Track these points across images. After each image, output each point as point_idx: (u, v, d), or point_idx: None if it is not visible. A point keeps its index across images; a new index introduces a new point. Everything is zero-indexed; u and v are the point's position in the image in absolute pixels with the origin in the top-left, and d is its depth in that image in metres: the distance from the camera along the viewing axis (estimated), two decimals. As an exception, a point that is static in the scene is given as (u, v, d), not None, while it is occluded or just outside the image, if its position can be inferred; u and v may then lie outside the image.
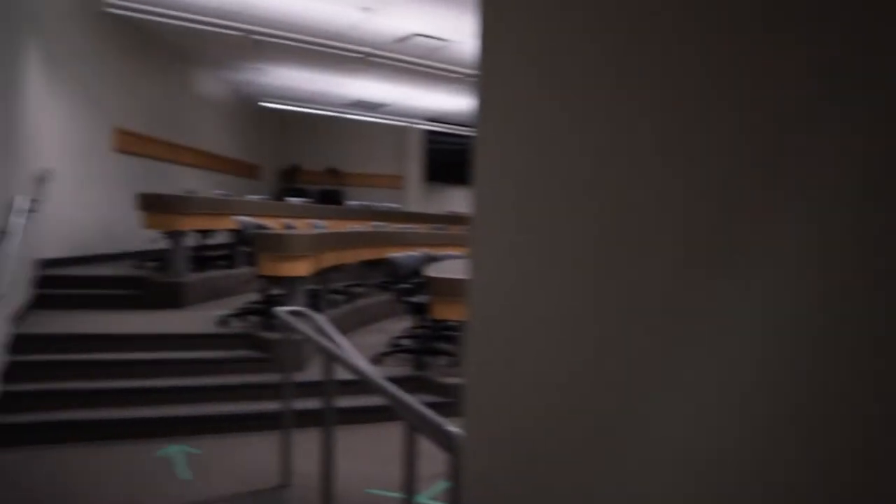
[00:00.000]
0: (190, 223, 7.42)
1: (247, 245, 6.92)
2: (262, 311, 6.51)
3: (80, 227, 8.23)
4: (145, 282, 7.29)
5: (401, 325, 8.50)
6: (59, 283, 7.01)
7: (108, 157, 8.83)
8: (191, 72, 11.39)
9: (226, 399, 5.46)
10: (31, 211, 6.15)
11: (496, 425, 1.27)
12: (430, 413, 2.03)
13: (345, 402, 4.12)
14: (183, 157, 10.90)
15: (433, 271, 6.55)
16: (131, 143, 9.32)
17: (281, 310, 3.98)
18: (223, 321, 6.36)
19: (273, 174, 15.68)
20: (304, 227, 8.44)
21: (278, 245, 5.93)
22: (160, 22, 8.62)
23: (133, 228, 8.79)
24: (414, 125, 14.26)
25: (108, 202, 8.81)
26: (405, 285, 6.86)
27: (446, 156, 16.05)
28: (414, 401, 2.20)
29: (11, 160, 5.66)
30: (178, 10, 7.67)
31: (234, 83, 12.76)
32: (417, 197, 15.77)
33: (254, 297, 7.33)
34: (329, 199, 14.86)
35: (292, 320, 3.87)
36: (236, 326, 6.40)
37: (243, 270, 8.56)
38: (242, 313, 6.61)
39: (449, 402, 5.88)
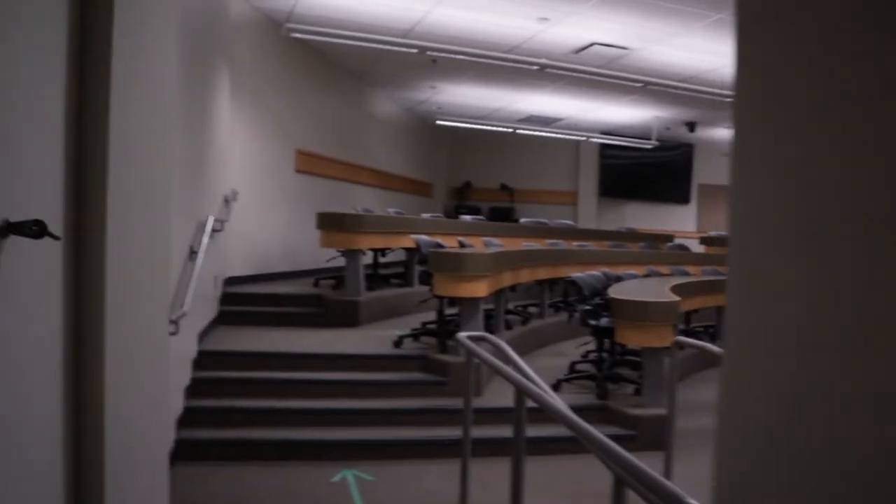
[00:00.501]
0: (367, 241, 7.39)
1: (423, 263, 6.76)
2: (438, 332, 6.30)
3: (263, 246, 8.46)
4: (322, 300, 7.32)
5: (577, 347, 8.05)
6: (241, 300, 7.18)
7: (290, 178, 9.06)
8: (368, 93, 11.58)
9: (401, 424, 5.26)
10: (217, 231, 6.30)
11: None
12: (655, 477, 1.60)
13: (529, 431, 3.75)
14: (359, 177, 11.06)
15: (617, 292, 6.07)
16: (312, 164, 9.53)
17: (463, 336, 3.67)
18: (398, 342, 6.20)
19: (445, 192, 15.71)
20: (477, 244, 8.19)
21: (456, 264, 5.69)
22: (340, 45, 8.76)
23: (312, 247, 8.91)
24: (588, 139, 13.75)
25: (288, 221, 9.02)
26: (586, 306, 6.41)
27: (621, 170, 15.41)
28: (628, 455, 1.78)
29: (202, 182, 5.81)
30: (358, 31, 7.70)
31: (409, 102, 12.87)
32: (591, 213, 15.22)
33: (428, 316, 7.16)
34: (501, 216, 14.64)
35: (475, 347, 3.55)
36: (411, 347, 6.22)
37: (417, 289, 8.45)
38: (418, 334, 6.43)
39: (634, 436, 5.37)
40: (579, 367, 6.82)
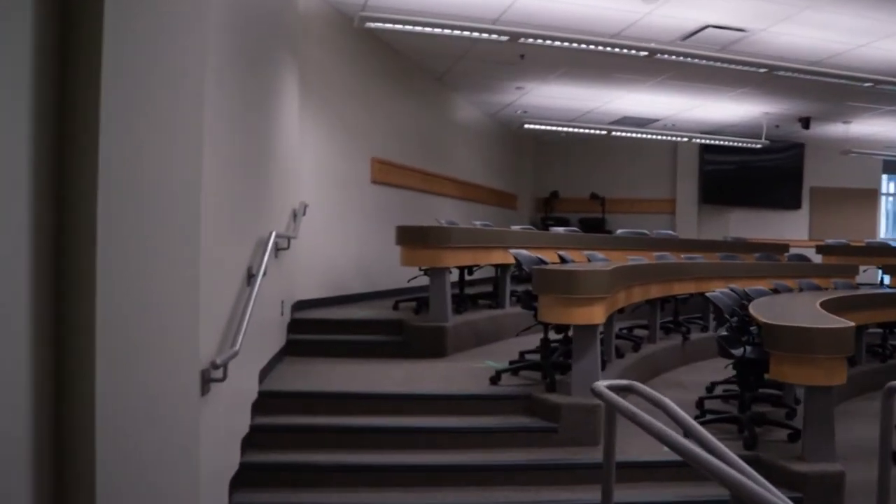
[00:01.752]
0: (453, 258, 6.43)
1: (520, 281, 5.76)
2: (543, 365, 5.27)
3: (335, 265, 7.61)
4: (404, 326, 6.39)
5: (698, 376, 6.90)
6: (311, 328, 6.33)
7: (366, 188, 8.21)
8: (448, 97, 10.68)
9: (502, 483, 4.24)
10: (283, 249, 5.45)
11: None
12: None
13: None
14: (440, 188, 10.15)
15: (763, 314, 4.92)
16: (389, 174, 8.67)
17: (602, 386, 2.65)
18: (495, 377, 5.19)
19: (530, 202, 14.66)
20: (578, 259, 7.14)
21: (568, 284, 4.66)
22: (418, 42, 7.89)
23: (390, 265, 8.04)
24: (690, 140, 12.48)
25: (363, 237, 8.16)
26: (723, 332, 5.29)
27: (724, 174, 14.06)
28: None
29: (264, 193, 4.98)
30: (439, 18, 6.77)
31: (493, 107, 11.91)
32: (691, 222, 13.91)
33: (526, 343, 6.15)
34: (592, 227, 13.47)
35: (621, 401, 2.53)
36: (510, 384, 5.21)
37: (510, 311, 7.46)
38: (518, 368, 5.42)
39: (799, 499, 4.22)
40: (708, 403, 5.71)
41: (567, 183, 14.58)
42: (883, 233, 15.16)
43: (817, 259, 11.96)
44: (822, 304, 5.76)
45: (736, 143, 12.32)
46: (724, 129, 12.63)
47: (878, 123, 12.44)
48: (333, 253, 7.53)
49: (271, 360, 5.31)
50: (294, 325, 6.27)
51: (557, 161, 14.72)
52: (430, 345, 6.15)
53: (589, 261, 7.07)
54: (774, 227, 14.24)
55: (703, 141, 12.16)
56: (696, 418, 5.02)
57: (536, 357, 5.57)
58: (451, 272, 6.52)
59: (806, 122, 12.26)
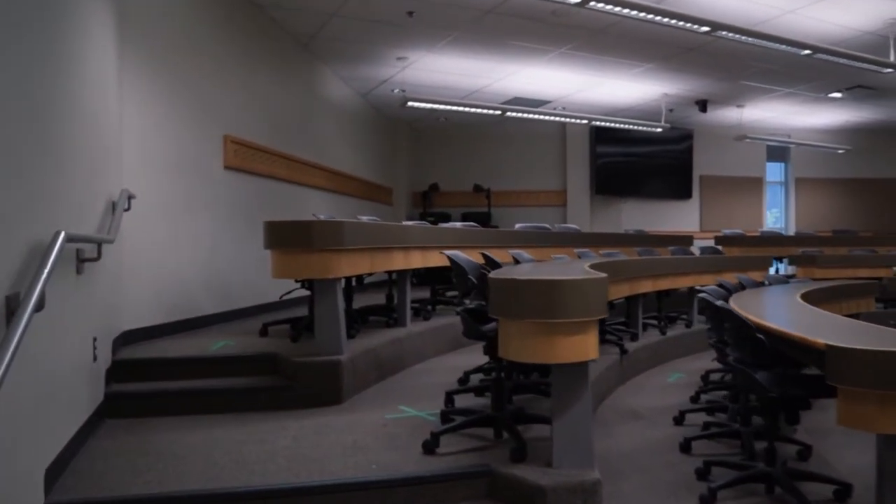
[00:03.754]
0: (348, 264, 4.64)
1: (472, 295, 4.11)
2: (497, 418, 3.64)
3: (177, 278, 5.63)
4: (278, 361, 4.56)
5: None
6: (144, 372, 4.39)
7: (217, 175, 6.26)
8: (315, 68, 8.82)
9: None
10: (91, 260, 3.52)
11: None
12: None
13: None
14: (308, 178, 8.29)
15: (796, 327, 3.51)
16: (247, 158, 6.74)
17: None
18: (431, 442, 3.47)
19: (407, 197, 13.01)
20: (505, 260, 5.55)
21: (553, 302, 2.99)
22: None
23: (252, 275, 6.21)
24: (588, 122, 11.22)
25: (215, 238, 6.23)
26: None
27: (616, 164, 13.02)
28: None
29: (55, 174, 3.04)
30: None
31: (365, 83, 10.15)
32: (584, 214, 12.76)
33: (448, 374, 4.53)
34: (477, 223, 11.96)
35: None
36: (451, 449, 3.50)
37: (413, 329, 5.82)
38: (461, 426, 3.72)
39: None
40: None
41: (448, 175, 13.06)
42: (768, 221, 14.70)
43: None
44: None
45: (636, 126, 11.21)
46: (621, 113, 11.54)
47: (769, 108, 11.83)
48: (174, 261, 5.55)
49: (75, 436, 3.35)
50: (117, 371, 4.31)
51: (437, 151, 13.19)
52: (320, 387, 4.36)
53: (517, 261, 5.50)
54: (666, 218, 13.39)
55: (602, 124, 10.97)
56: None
57: (474, 400, 3.92)
58: (341, 283, 4.73)
59: (703, 105, 11.39)
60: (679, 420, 4.88)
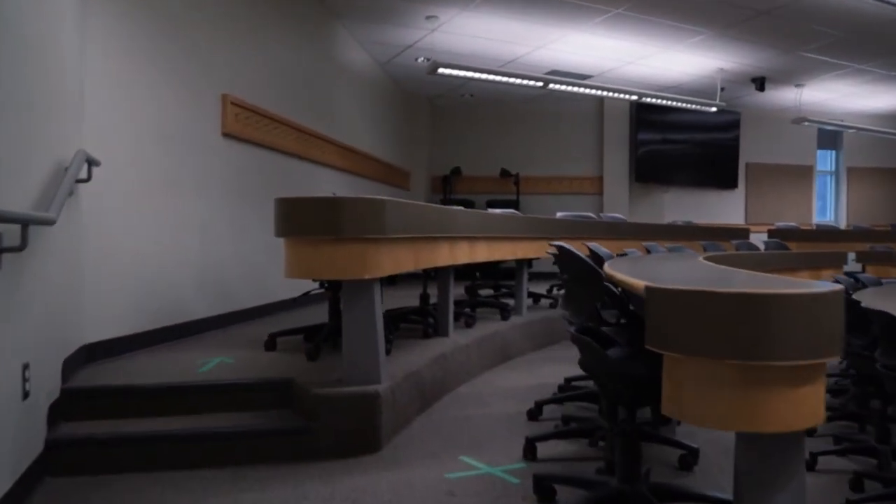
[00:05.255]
0: (390, 259, 3.40)
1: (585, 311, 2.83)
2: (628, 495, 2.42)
3: (159, 273, 4.39)
4: (293, 391, 3.33)
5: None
6: (105, 408, 3.15)
7: (213, 144, 5.01)
8: (331, 27, 7.57)
9: None
10: (12, 249, 2.29)
11: None
12: None
13: None
14: (320, 153, 7.05)
15: None
16: (250, 126, 5.50)
17: None
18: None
19: (426, 181, 11.75)
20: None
21: (780, 331, 1.77)
22: None
23: (256, 269, 5.00)
24: (638, 98, 9.93)
25: (209, 222, 4.99)
26: None
27: (659, 149, 11.75)
28: None
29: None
30: None
31: (386, 50, 8.89)
32: (622, 203, 11.50)
33: (497, 395, 3.32)
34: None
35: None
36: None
37: (458, 341, 4.61)
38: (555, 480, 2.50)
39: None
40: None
41: (472, 158, 11.80)
42: (827, 214, 13.46)
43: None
44: None
45: (689, 105, 9.94)
46: (671, 91, 10.28)
47: (830, 88, 10.58)
48: (155, 251, 4.31)
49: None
50: (67, 405, 3.09)
51: (460, 131, 11.91)
52: (352, 430, 3.14)
53: (596, 256, 4.25)
54: (710, 209, 12.15)
55: (652, 101, 9.69)
56: None
57: (564, 447, 2.70)
58: (378, 284, 3.48)
59: (761, 83, 10.12)
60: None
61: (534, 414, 3.80)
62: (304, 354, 3.89)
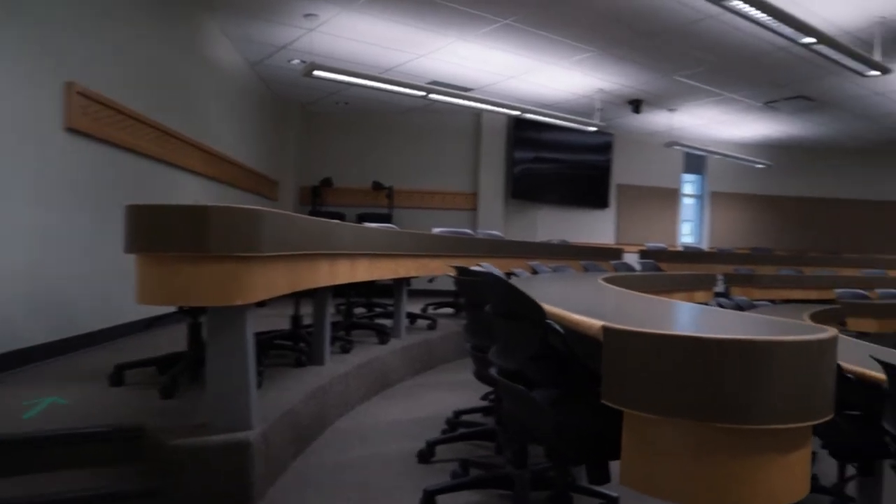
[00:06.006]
0: (266, 282, 2.89)
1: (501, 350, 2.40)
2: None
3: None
4: (145, 442, 2.75)
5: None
6: None
7: (52, 140, 4.29)
8: (199, 18, 6.89)
9: None
10: None
11: None
12: None
13: None
14: (182, 157, 6.37)
15: None
16: (101, 120, 4.79)
17: None
18: None
19: (294, 191, 11.13)
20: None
21: (768, 388, 1.45)
22: None
23: (108, 286, 4.34)
24: (522, 114, 9.78)
25: (49, 232, 4.27)
26: None
27: (534, 167, 11.71)
28: None
29: None
30: None
31: (258, 49, 8.28)
32: (496, 220, 11.34)
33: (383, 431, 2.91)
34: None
35: None
36: None
37: (335, 370, 4.15)
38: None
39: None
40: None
41: (343, 169, 11.30)
42: (689, 237, 13.91)
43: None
44: None
45: (568, 123, 9.91)
46: (551, 108, 10.23)
47: (699, 114, 10.93)
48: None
49: None
50: None
51: (332, 141, 11.39)
52: (219, 489, 2.61)
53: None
54: (582, 228, 12.24)
55: (534, 117, 9.56)
56: None
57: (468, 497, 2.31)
58: (251, 310, 2.96)
59: (637, 106, 10.27)
60: None
61: (425, 455, 3.39)
62: (157, 391, 3.29)
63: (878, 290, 8.82)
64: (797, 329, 1.60)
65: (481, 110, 10.12)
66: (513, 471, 2.70)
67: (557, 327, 1.78)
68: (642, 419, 1.56)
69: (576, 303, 2.31)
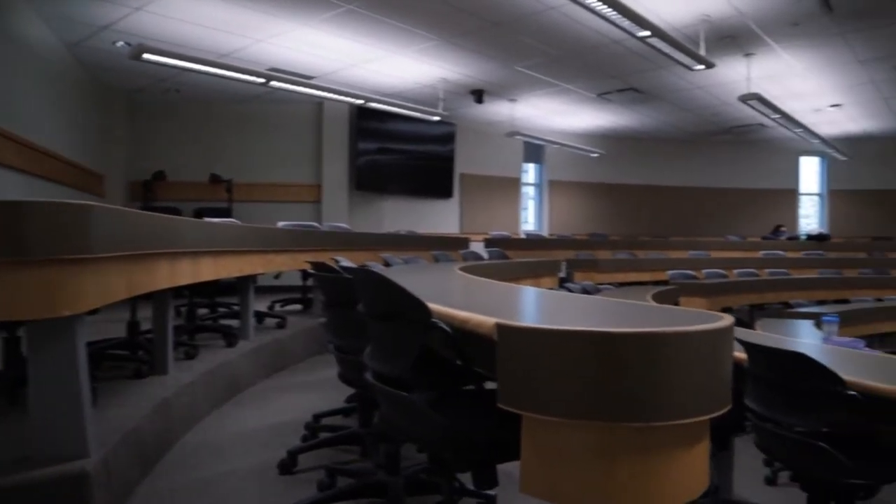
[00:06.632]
0: (98, 287, 2.54)
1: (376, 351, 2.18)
2: None
3: None
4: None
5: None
6: None
7: None
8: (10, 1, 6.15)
9: None
10: None
11: None
12: None
13: None
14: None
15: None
16: None
17: None
18: None
19: (123, 187, 10.33)
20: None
21: (667, 382, 1.38)
22: None
23: None
24: (343, 111, 9.57)
25: None
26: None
27: (378, 157, 11.54)
28: None
29: None
30: None
31: (77, 29, 7.52)
32: (341, 212, 11.07)
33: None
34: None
35: None
36: None
37: (172, 379, 3.82)
38: None
39: None
40: None
41: (177, 162, 10.62)
42: (530, 224, 14.27)
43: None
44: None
45: (412, 112, 9.83)
46: (394, 98, 10.08)
47: (538, 105, 11.20)
48: None
49: None
50: None
51: (164, 132, 10.67)
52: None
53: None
54: (428, 218, 12.22)
55: (378, 106, 9.39)
56: None
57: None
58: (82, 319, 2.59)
59: (479, 96, 10.35)
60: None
61: (287, 466, 3.15)
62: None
63: (704, 271, 9.42)
64: (695, 318, 1.54)
65: (323, 99, 9.81)
66: (385, 477, 2.54)
67: (445, 327, 1.63)
68: (542, 423, 1.45)
69: (453, 298, 2.17)
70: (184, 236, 3.73)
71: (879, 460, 2.21)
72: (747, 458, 3.15)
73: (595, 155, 13.30)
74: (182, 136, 10.70)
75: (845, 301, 9.09)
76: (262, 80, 7.61)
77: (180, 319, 5.66)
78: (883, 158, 14.27)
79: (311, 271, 3.09)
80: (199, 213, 9.97)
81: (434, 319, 1.64)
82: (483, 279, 3.40)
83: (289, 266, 6.12)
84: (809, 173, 15.41)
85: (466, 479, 2.16)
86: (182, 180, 10.59)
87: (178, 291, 5.56)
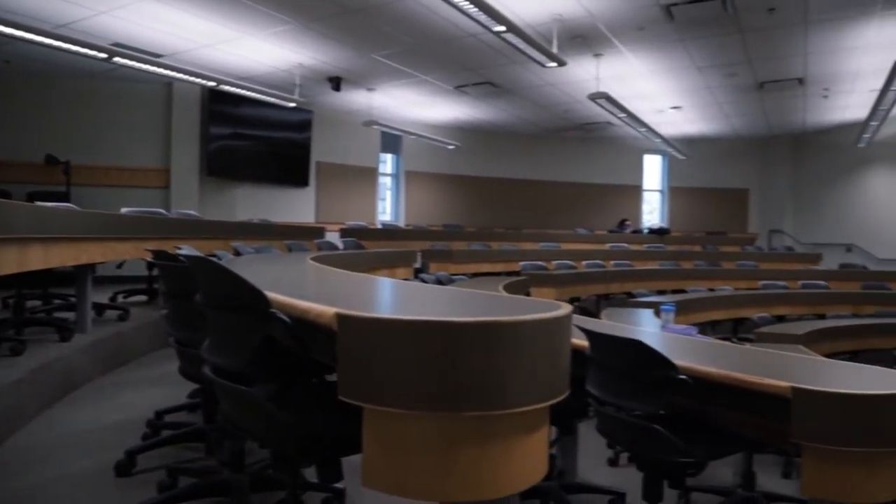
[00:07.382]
0: None
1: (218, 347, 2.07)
2: None
3: None
4: None
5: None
6: None
7: None
8: None
9: None
10: None
11: None
12: None
13: None
14: None
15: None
16: None
17: None
18: None
19: (-58, 167, 9.43)
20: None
21: (511, 370, 1.40)
22: None
23: None
24: (195, 92, 9.19)
25: None
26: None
27: (231, 143, 11.14)
28: None
29: None
30: None
31: None
32: (191, 199, 10.60)
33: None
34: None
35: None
36: None
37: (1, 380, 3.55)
38: None
39: None
40: None
41: (7, 140, 9.79)
42: (387, 214, 14.25)
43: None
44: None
45: (267, 98, 9.56)
46: (248, 81, 9.74)
47: (396, 95, 11.21)
48: None
49: None
50: None
51: (-8, 105, 9.82)
52: None
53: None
54: (282, 207, 11.94)
55: (231, 89, 9.05)
56: None
57: None
58: None
59: (337, 84, 10.22)
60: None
61: (125, 467, 2.98)
62: None
63: (555, 262, 9.77)
64: (534, 307, 1.58)
65: (173, 79, 9.33)
66: (230, 475, 2.45)
67: (284, 317, 1.58)
68: (384, 414, 1.43)
69: (298, 288, 2.12)
70: (9, 222, 3.43)
71: (707, 440, 2.36)
72: (592, 442, 3.28)
73: (452, 147, 13.48)
74: (13, 112, 9.88)
75: (682, 291, 9.71)
76: (104, 56, 7.12)
77: (7, 313, 5.23)
78: (717, 158, 15.39)
79: (151, 260, 2.93)
80: (32, 197, 9.24)
81: (273, 310, 1.59)
82: (335, 269, 3.36)
83: (131, 255, 5.79)
84: (652, 171, 16.35)
85: (311, 473, 2.13)
86: (12, 160, 9.79)
87: (5, 282, 5.16)
